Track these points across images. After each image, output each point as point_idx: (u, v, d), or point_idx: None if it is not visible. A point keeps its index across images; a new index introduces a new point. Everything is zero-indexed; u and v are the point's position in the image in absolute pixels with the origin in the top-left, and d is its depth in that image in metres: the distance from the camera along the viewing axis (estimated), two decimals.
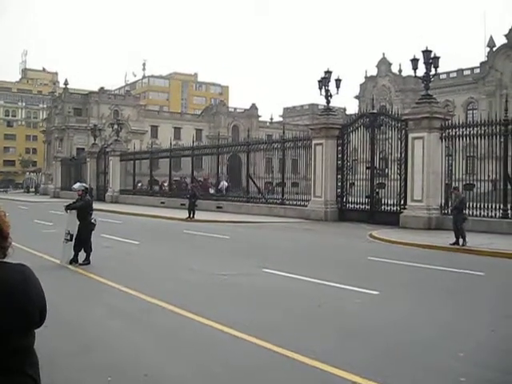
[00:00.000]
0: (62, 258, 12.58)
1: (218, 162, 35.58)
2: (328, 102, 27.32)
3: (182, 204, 32.39)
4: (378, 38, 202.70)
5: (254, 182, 32.54)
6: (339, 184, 26.68)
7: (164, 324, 7.51)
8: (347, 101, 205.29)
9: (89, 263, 12.36)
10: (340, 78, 26.65)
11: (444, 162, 22.35)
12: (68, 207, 12.88)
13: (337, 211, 26.41)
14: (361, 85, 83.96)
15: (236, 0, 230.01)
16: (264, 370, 5.71)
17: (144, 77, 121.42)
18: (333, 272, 11.96)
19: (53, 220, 23.52)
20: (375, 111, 27.24)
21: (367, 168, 26.10)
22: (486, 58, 67.59)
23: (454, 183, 21.52)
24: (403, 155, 23.54)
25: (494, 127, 21.10)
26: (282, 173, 30.77)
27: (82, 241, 12.55)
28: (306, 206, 27.56)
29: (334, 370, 5.48)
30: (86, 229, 12.61)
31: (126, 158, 46.07)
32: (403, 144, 23.58)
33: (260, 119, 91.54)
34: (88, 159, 51.66)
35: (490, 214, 20.26)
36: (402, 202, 23.34)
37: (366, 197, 25.71)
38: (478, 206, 20.36)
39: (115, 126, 48.15)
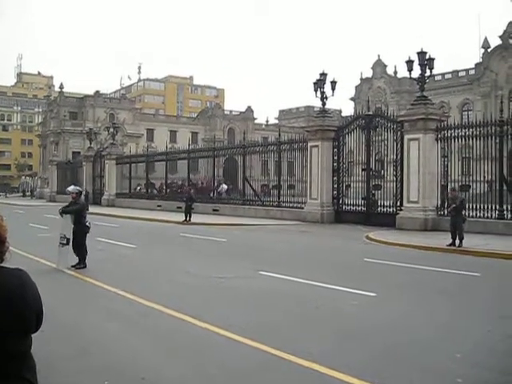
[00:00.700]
0: (57, 262, 12.55)
1: (214, 164, 35.56)
2: (323, 104, 27.35)
3: (178, 207, 32.35)
4: (373, 39, 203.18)
5: (250, 185, 32.53)
6: (335, 186, 26.68)
7: (161, 327, 7.50)
8: (343, 103, 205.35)
9: (85, 267, 12.34)
10: (335, 80, 26.67)
11: (440, 163, 22.38)
12: (63, 211, 12.88)
13: (333, 213, 26.42)
14: (356, 87, 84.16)
15: (232, 3, 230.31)
16: (261, 372, 5.71)
17: (139, 80, 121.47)
18: (329, 274, 11.97)
19: (48, 224, 23.46)
20: (371, 113, 27.30)
21: (363, 170, 26.14)
22: (481, 59, 67.82)
23: (450, 184, 21.54)
24: (399, 157, 23.57)
25: (489, 128, 21.14)
26: (278, 175, 30.80)
27: (77, 244, 12.54)
28: (303, 208, 27.57)
29: (332, 371, 5.48)
30: (80, 232, 12.61)
31: (122, 161, 45.98)
32: (399, 145, 23.61)
33: (256, 122, 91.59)
34: (84, 163, 51.53)
35: (486, 215, 20.29)
36: (398, 204, 23.36)
37: (362, 198, 25.75)
38: (474, 206, 20.39)
39: (111, 130, 48.10)
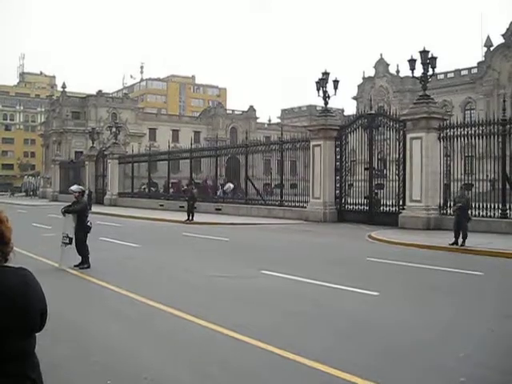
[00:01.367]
0: (60, 262, 12.57)
1: (216, 164, 35.56)
2: (326, 103, 27.32)
3: (180, 206, 32.37)
4: (375, 38, 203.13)
5: (253, 184, 32.53)
6: (338, 185, 26.68)
7: (163, 326, 7.50)
8: (345, 102, 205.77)
9: (89, 267, 12.33)
10: (338, 79, 26.65)
11: (442, 162, 22.36)
12: (66, 210, 12.90)
13: (336, 212, 26.41)
14: (359, 86, 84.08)
15: (234, 2, 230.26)
16: (264, 372, 5.70)
17: (142, 80, 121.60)
18: (332, 273, 11.96)
19: (51, 223, 23.47)
20: (373, 112, 27.30)
21: (366, 169, 26.11)
22: (484, 58, 67.72)
23: (453, 183, 21.50)
24: (401, 156, 23.55)
25: (491, 127, 21.11)
26: (280, 174, 30.78)
27: (79, 244, 12.55)
28: (305, 207, 27.55)
29: (335, 371, 5.48)
30: (82, 232, 12.62)
31: (125, 160, 46.01)
32: (401, 144, 23.59)
33: (258, 121, 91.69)
34: (86, 162, 51.56)
35: (488, 214, 20.26)
36: (401, 203, 23.33)
37: (365, 198, 25.71)
38: (477, 205, 20.34)
39: (113, 129, 48.11)
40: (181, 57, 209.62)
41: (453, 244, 16.02)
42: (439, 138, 22.21)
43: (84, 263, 12.44)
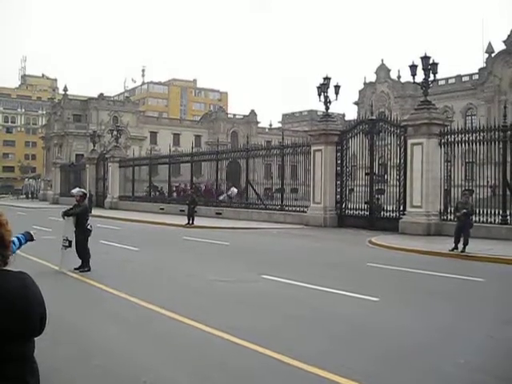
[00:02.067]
0: (60, 265, 12.57)
1: (217, 168, 35.58)
2: (327, 108, 27.36)
3: (181, 210, 32.38)
4: (376, 44, 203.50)
5: (254, 188, 32.55)
6: (338, 190, 26.67)
7: (163, 330, 7.50)
8: (346, 107, 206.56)
9: (89, 270, 12.33)
10: (339, 84, 26.68)
11: (443, 168, 22.36)
12: (66, 213, 12.90)
13: (336, 217, 26.40)
14: (360, 91, 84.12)
15: (236, 6, 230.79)
16: (263, 376, 5.71)
17: (143, 83, 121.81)
18: (332, 278, 11.96)
19: (52, 226, 23.46)
20: (374, 117, 27.28)
21: (366, 174, 26.10)
22: (485, 64, 67.73)
23: (453, 189, 21.49)
24: (402, 161, 23.55)
25: (492, 133, 21.12)
26: (281, 179, 30.76)
27: (79, 247, 12.55)
28: (306, 212, 27.55)
29: (334, 376, 5.47)
30: (82, 235, 12.62)
31: (126, 164, 46.02)
32: (402, 150, 23.59)
33: (259, 125, 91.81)
34: (87, 165, 51.56)
35: (489, 220, 20.24)
36: (402, 208, 23.31)
37: (366, 203, 25.70)
38: (478, 211, 20.31)
39: (114, 132, 48.12)
40: (182, 60, 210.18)
41: (452, 250, 16.00)
42: (440, 144, 22.21)
43: (84, 266, 12.45)
